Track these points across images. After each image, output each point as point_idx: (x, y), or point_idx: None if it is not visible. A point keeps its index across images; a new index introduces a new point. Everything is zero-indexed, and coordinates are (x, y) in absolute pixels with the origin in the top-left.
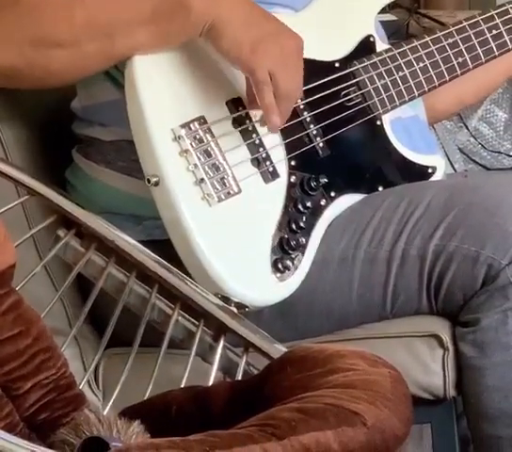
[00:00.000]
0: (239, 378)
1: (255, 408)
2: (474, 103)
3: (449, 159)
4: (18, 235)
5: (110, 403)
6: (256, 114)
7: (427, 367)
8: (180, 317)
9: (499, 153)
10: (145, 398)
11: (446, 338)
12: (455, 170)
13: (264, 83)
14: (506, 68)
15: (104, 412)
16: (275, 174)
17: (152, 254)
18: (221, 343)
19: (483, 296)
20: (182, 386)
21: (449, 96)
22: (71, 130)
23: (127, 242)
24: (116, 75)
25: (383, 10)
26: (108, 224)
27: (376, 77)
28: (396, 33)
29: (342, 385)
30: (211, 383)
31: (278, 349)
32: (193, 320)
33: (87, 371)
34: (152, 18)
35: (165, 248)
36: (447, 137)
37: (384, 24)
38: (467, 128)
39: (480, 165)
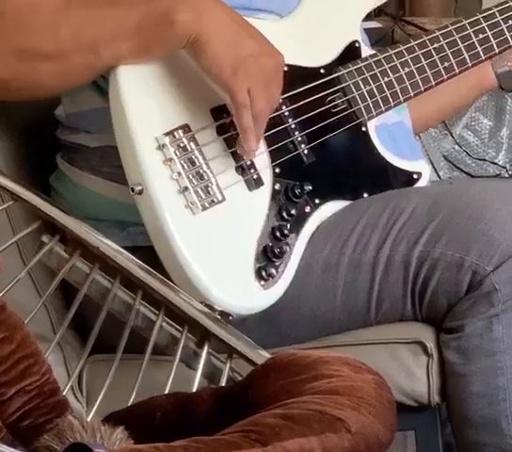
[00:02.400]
0: (223, 384)
1: (239, 414)
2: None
3: (434, 167)
4: (2, 241)
5: (94, 409)
6: None
7: (411, 374)
8: (164, 323)
9: (484, 160)
10: (129, 404)
11: (430, 345)
12: (439, 178)
13: (243, 106)
14: (470, 96)
15: (88, 419)
16: (259, 182)
17: (137, 260)
18: (205, 349)
19: (467, 302)
20: (166, 392)
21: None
22: (55, 136)
23: (111, 248)
24: (101, 83)
25: (368, 17)
26: (92, 230)
27: (361, 83)
28: (381, 40)
29: (326, 391)
30: (195, 390)
31: (261, 356)
32: (177, 326)
33: (70, 377)
34: (137, 31)
35: (149, 254)
36: (432, 144)
37: (369, 31)
38: (452, 136)
39: (465, 172)
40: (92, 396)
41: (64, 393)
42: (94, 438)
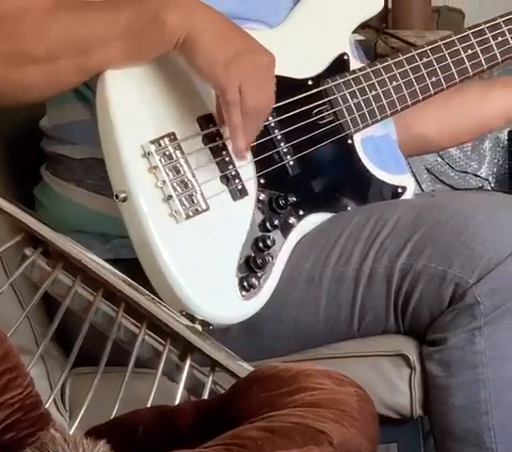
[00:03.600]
0: (205, 397)
1: (221, 427)
2: (469, 140)
3: (417, 179)
4: None
5: (76, 422)
6: (227, 131)
7: (394, 386)
8: (146, 336)
9: (466, 173)
10: (111, 418)
11: (413, 357)
12: (422, 190)
13: (233, 103)
14: (505, 110)
15: (71, 432)
16: (244, 192)
17: (119, 273)
18: (188, 362)
19: (450, 315)
20: (148, 405)
21: (444, 132)
22: (39, 147)
23: (94, 261)
24: (87, 95)
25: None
26: (75, 243)
27: (348, 96)
28: (364, 53)
29: (308, 404)
30: (177, 402)
31: (244, 368)
32: (160, 339)
33: (53, 390)
34: (127, 32)
35: (132, 267)
36: (415, 157)
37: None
38: None
39: (447, 185)
40: (75, 409)
41: (46, 406)
42: (76, 451)
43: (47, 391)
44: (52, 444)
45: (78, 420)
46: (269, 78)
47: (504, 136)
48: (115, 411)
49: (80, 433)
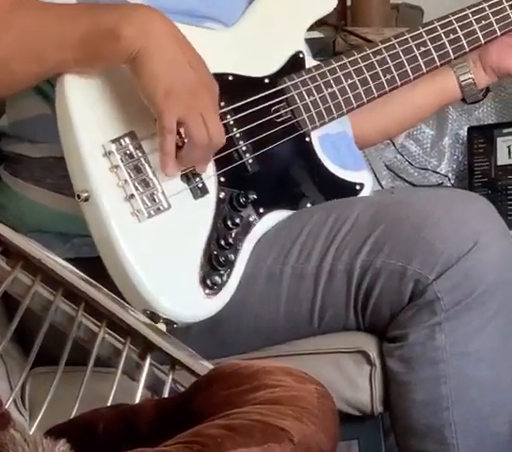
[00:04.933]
0: (166, 395)
1: (182, 425)
2: (400, 133)
3: (376, 176)
4: None
5: (36, 422)
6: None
7: (354, 383)
8: (106, 335)
9: (426, 169)
10: (72, 417)
11: (373, 354)
12: (382, 187)
13: (167, 131)
14: (432, 104)
15: (31, 432)
16: (204, 190)
17: (79, 272)
18: (148, 360)
19: (410, 311)
20: (108, 404)
21: (375, 130)
22: None
23: (54, 260)
24: (46, 90)
25: (310, 27)
26: (34, 242)
27: (305, 94)
28: (323, 50)
29: (268, 401)
30: (138, 401)
31: (204, 366)
32: (119, 338)
33: (13, 390)
34: (81, 44)
35: (92, 265)
36: (374, 153)
37: (311, 41)
38: (394, 145)
39: (407, 181)
40: (35, 409)
41: (6, 406)
42: (36, 451)
43: (7, 391)
44: (11, 445)
45: (38, 420)
46: (212, 110)
47: (463, 132)
48: (75, 410)
49: (40, 433)
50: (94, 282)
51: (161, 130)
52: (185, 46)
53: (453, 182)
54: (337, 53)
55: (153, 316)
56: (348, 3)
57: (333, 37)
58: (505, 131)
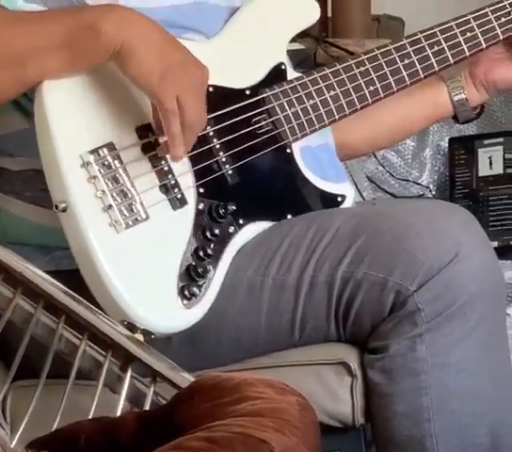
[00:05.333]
0: (147, 408)
1: (164, 438)
2: (388, 146)
3: (357, 187)
4: None
5: (18, 435)
6: (165, 140)
7: (336, 395)
8: (87, 348)
9: (407, 181)
10: (53, 430)
11: (354, 365)
12: (363, 198)
13: (171, 112)
14: (422, 119)
15: (12, 445)
16: (183, 201)
17: (60, 285)
18: (129, 373)
19: (391, 322)
20: (90, 417)
21: (362, 140)
22: None
23: (34, 273)
24: (26, 105)
25: (291, 39)
26: (15, 255)
27: (286, 105)
28: (304, 62)
29: (250, 413)
30: (119, 414)
31: (185, 379)
32: (101, 351)
33: None
34: (63, 43)
35: (73, 278)
36: (355, 165)
37: (292, 52)
38: (375, 156)
39: (388, 193)
40: (16, 423)
41: None
42: None
43: None
44: None
45: (19, 433)
46: (203, 90)
47: (444, 143)
48: (56, 423)
49: (21, 446)
50: (75, 294)
51: (164, 114)
52: (166, 34)
53: (434, 193)
54: (318, 64)
55: (131, 327)
56: (329, 14)
57: (314, 48)
58: (486, 142)
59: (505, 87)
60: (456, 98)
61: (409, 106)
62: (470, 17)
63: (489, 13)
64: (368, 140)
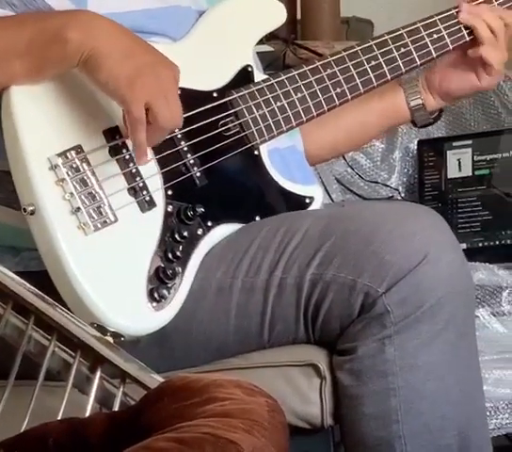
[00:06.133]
0: (116, 409)
1: (132, 438)
2: (350, 151)
3: (326, 189)
4: None
5: None
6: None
7: (305, 396)
8: (56, 349)
9: (376, 183)
10: (22, 431)
11: (323, 367)
12: (332, 200)
13: (138, 120)
14: (380, 123)
15: None
16: (152, 203)
17: (29, 285)
18: (98, 374)
19: (360, 324)
20: (59, 418)
21: (324, 147)
22: None
23: (3, 273)
24: None
25: (260, 41)
26: None
27: (253, 107)
28: (273, 64)
29: (218, 414)
30: (88, 414)
31: (154, 380)
32: (70, 351)
33: None
34: (29, 50)
35: (42, 279)
36: (324, 167)
37: (260, 54)
38: (344, 158)
39: (357, 195)
40: None
41: None
42: None
43: None
44: None
45: None
46: (174, 91)
47: (413, 145)
48: (25, 424)
49: None
50: (44, 295)
51: (131, 122)
52: (134, 37)
53: (403, 195)
54: (287, 66)
55: (101, 329)
56: (299, 16)
57: (283, 50)
58: (455, 144)
59: (459, 95)
60: (412, 103)
61: (367, 111)
62: (436, 18)
63: (455, 14)
64: (329, 147)
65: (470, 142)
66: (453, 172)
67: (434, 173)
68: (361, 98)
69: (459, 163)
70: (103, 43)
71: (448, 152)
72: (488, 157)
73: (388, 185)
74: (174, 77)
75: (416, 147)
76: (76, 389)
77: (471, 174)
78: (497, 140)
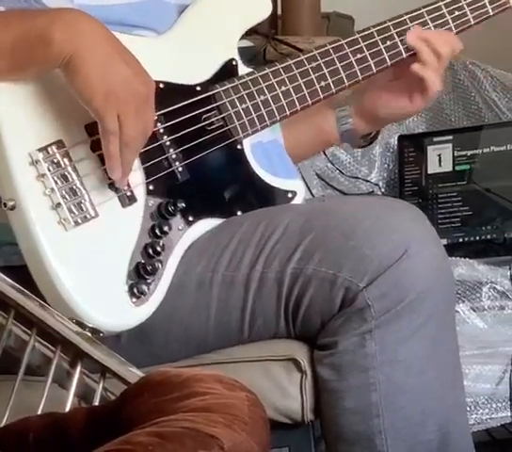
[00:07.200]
0: (96, 403)
1: (113, 433)
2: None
3: (307, 184)
4: None
5: None
6: None
7: (285, 391)
8: (36, 343)
9: (356, 178)
10: (1, 426)
11: (304, 362)
12: (313, 195)
13: (111, 133)
14: (310, 144)
15: None
16: (132, 199)
17: (9, 280)
18: (78, 369)
19: (340, 319)
20: (39, 413)
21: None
22: None
23: None
24: None
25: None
26: None
27: (237, 101)
28: (253, 59)
29: (199, 409)
30: (68, 409)
31: (135, 374)
32: (50, 346)
33: None
34: (13, 50)
35: (22, 274)
36: (305, 162)
37: (241, 50)
38: (324, 154)
39: (338, 190)
40: None
41: None
42: None
43: None
44: None
45: None
46: (148, 108)
47: (394, 141)
48: (5, 419)
49: None
50: (24, 289)
51: (104, 134)
52: (117, 45)
53: (383, 190)
54: (268, 61)
55: (80, 325)
56: (279, 12)
57: (264, 46)
58: (436, 139)
59: (386, 115)
60: (342, 128)
61: (298, 132)
62: (423, 10)
63: (443, 6)
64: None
65: (450, 138)
66: (433, 168)
67: (414, 169)
68: (293, 119)
69: (440, 158)
70: (86, 48)
71: (428, 147)
72: (469, 153)
73: (368, 181)
74: (147, 94)
75: (396, 142)
76: (56, 384)
77: (451, 170)
78: (477, 136)
